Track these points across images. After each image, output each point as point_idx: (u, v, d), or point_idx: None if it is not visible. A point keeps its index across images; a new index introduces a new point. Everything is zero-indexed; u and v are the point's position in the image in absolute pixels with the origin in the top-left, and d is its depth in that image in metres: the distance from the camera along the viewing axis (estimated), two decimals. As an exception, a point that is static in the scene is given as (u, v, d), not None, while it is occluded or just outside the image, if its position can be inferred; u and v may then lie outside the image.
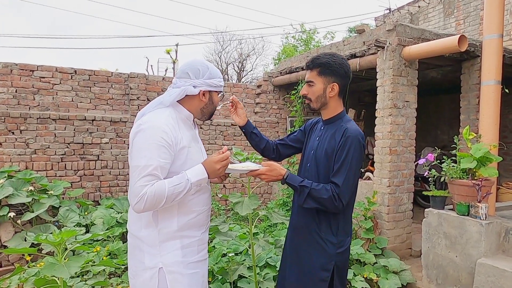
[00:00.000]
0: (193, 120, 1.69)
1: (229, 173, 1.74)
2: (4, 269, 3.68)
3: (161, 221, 1.52)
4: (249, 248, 2.61)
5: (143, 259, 1.53)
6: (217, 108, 1.74)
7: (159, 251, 1.51)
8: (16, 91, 4.74)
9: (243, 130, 1.95)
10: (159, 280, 1.50)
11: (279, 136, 6.46)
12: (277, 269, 2.93)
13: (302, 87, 1.76)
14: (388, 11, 9.14)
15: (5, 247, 3.77)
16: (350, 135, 1.60)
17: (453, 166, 3.04)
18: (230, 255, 2.86)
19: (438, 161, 3.14)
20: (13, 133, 4.61)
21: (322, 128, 1.78)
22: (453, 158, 3.10)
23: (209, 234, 2.23)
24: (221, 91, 1.69)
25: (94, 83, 5.17)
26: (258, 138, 1.93)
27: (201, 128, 5.79)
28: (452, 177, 3.00)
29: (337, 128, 1.67)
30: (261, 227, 4.55)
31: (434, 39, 3.94)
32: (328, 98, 1.69)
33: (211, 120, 5.86)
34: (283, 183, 1.66)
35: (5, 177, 4.26)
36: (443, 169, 3.09)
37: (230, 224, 3.07)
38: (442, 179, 3.13)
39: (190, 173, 1.47)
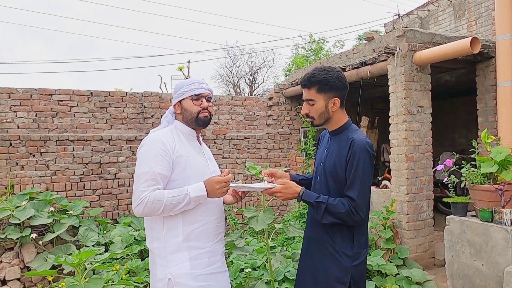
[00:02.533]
0: (197, 136, 1.77)
1: (245, 193, 1.76)
2: (27, 290, 3.74)
3: (167, 232, 1.59)
4: (267, 262, 2.59)
5: (156, 270, 1.61)
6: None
7: (168, 262, 1.57)
8: (36, 115, 4.91)
9: None
10: None
11: (292, 147, 6.44)
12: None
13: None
14: (397, 16, 9.09)
15: (28, 268, 3.84)
16: (357, 146, 1.59)
17: (473, 171, 2.95)
18: (247, 270, 2.83)
19: (457, 166, 3.05)
20: (33, 155, 4.75)
21: (329, 139, 1.78)
22: (473, 162, 3.01)
23: (226, 249, 2.22)
24: (195, 95, 1.68)
25: (109, 104, 5.31)
26: (307, 181, 1.93)
27: (214, 142, 5.83)
28: (472, 183, 2.91)
29: (343, 139, 1.67)
30: (279, 240, 4.50)
31: (445, 43, 3.89)
32: (331, 112, 1.68)
33: (224, 135, 5.91)
34: (299, 200, 1.66)
35: (27, 199, 4.38)
36: (462, 174, 3.00)
37: (246, 238, 3.06)
38: (462, 185, 3.04)
39: (190, 188, 1.55)
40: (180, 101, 1.71)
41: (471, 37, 3.41)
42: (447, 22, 7.43)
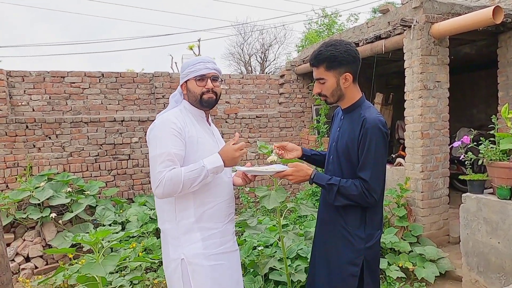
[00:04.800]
0: (206, 116, 1.75)
1: (255, 175, 1.75)
2: (50, 266, 3.91)
3: (179, 213, 1.59)
4: (279, 240, 2.61)
5: (168, 251, 1.63)
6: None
7: (180, 242, 1.59)
8: (49, 98, 4.97)
9: (304, 159, 1.91)
10: (182, 271, 1.57)
11: (305, 125, 6.37)
12: (308, 260, 2.91)
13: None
14: (414, -14, 8.66)
15: (49, 246, 4.00)
16: (369, 125, 1.51)
17: (491, 147, 2.85)
18: (260, 248, 2.87)
19: (475, 143, 2.96)
20: (49, 138, 4.85)
21: (342, 117, 1.71)
22: (492, 139, 2.91)
23: (239, 228, 2.23)
24: (199, 75, 1.64)
25: (121, 85, 5.32)
26: (320, 157, 1.89)
27: (225, 122, 5.82)
28: (491, 159, 2.81)
29: (355, 117, 1.59)
30: (291, 218, 4.53)
31: (465, 13, 3.69)
32: (344, 89, 1.60)
33: (235, 114, 5.87)
34: (311, 183, 1.63)
35: (45, 180, 4.51)
36: (480, 151, 2.91)
37: (259, 216, 3.08)
38: (480, 162, 2.95)
39: (206, 161, 1.53)
40: (185, 82, 1.68)
41: (493, 6, 3.22)
42: (467, -9, 7.04)
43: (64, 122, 4.90)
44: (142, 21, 39.25)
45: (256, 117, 6.04)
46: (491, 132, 2.91)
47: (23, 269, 3.79)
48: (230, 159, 1.55)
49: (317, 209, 2.29)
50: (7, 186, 4.58)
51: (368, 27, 4.87)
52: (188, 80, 1.67)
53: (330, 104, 1.68)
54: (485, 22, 3.31)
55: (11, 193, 4.21)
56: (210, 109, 1.74)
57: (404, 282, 3.16)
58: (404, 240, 3.63)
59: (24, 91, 4.87)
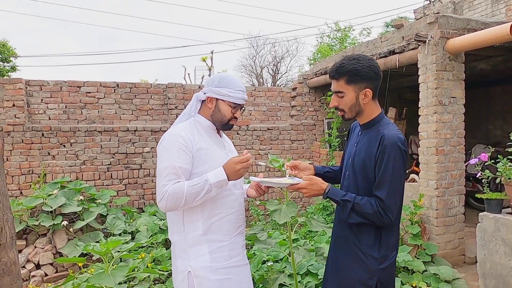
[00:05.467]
0: (217, 129, 1.74)
1: (269, 187, 1.73)
2: (59, 274, 3.93)
3: (187, 225, 1.59)
4: (289, 255, 2.56)
5: (176, 262, 1.63)
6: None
7: (188, 255, 1.58)
8: (65, 107, 5.08)
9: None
10: (188, 284, 1.56)
11: (316, 138, 6.34)
12: (319, 277, 2.85)
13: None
14: (428, 2, 8.67)
15: (60, 253, 4.02)
16: (388, 143, 1.46)
17: (510, 166, 2.78)
18: (269, 264, 2.82)
19: (492, 160, 2.88)
20: (64, 146, 4.93)
21: (359, 133, 1.67)
22: (510, 157, 2.84)
23: (248, 241, 2.19)
24: (234, 103, 1.66)
25: (135, 95, 5.41)
26: (333, 173, 1.85)
27: (237, 133, 5.83)
28: (509, 178, 2.74)
29: (374, 134, 1.55)
30: (302, 232, 4.46)
31: (481, 29, 3.66)
32: (363, 105, 1.56)
33: (247, 126, 5.89)
34: (325, 198, 1.58)
35: (58, 187, 4.57)
36: (498, 169, 2.83)
37: (269, 230, 3.04)
38: (497, 180, 2.87)
39: (209, 175, 1.53)
40: (217, 99, 1.66)
41: (510, 23, 3.18)
42: (483, 7, 7.00)
43: (79, 130, 4.99)
44: (157, 33, 40.15)
45: (268, 129, 6.04)
46: (509, 149, 2.84)
47: (33, 276, 3.82)
48: (233, 172, 1.54)
49: (328, 225, 2.25)
50: (21, 192, 4.66)
51: (381, 42, 4.86)
52: (222, 100, 1.65)
53: (347, 119, 1.62)
54: (502, 38, 3.27)
55: (24, 200, 4.27)
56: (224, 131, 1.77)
57: (417, 303, 3.06)
58: (418, 259, 3.53)
59: (42, 99, 4.98)
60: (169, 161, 1.53)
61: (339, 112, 1.62)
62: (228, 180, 1.55)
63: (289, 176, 1.76)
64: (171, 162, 1.52)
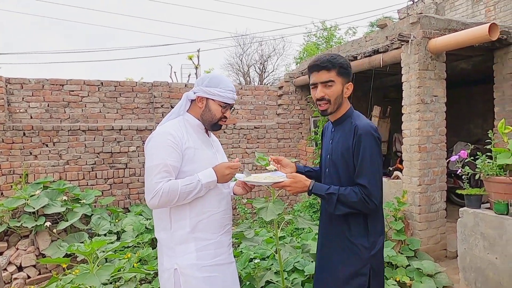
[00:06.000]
0: (205, 128, 1.76)
1: (254, 185, 1.76)
2: (43, 276, 3.85)
3: (174, 223, 1.60)
4: (276, 253, 2.58)
5: (163, 260, 1.64)
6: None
7: (174, 252, 1.59)
8: (48, 105, 4.97)
9: None
10: (175, 281, 1.57)
11: (303, 136, 6.39)
12: (305, 274, 2.88)
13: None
14: (411, 2, 8.83)
15: (43, 255, 3.94)
16: (362, 132, 1.56)
17: (488, 162, 2.87)
18: (256, 261, 2.84)
19: (472, 157, 2.97)
20: (46, 145, 4.83)
21: (332, 130, 1.75)
22: (488, 153, 2.93)
23: (235, 239, 2.19)
24: (224, 103, 1.68)
25: (120, 94, 5.33)
26: (314, 173, 1.90)
27: (224, 132, 5.82)
28: (488, 174, 2.83)
29: (347, 127, 1.64)
30: (288, 230, 4.50)
31: (462, 29, 3.76)
32: (344, 98, 1.66)
33: (233, 125, 5.89)
34: (309, 194, 1.63)
35: (41, 188, 4.47)
36: (477, 166, 2.92)
37: (256, 228, 3.07)
38: (477, 176, 2.96)
39: (201, 175, 1.57)
40: (207, 98, 1.68)
41: (489, 23, 3.28)
42: (463, 8, 7.18)
43: (62, 130, 4.89)
44: (142, 31, 39.64)
45: (254, 127, 6.05)
46: (488, 147, 2.93)
47: (15, 278, 3.73)
48: (222, 176, 1.60)
49: (314, 222, 2.27)
50: (2, 193, 4.54)
51: (366, 41, 4.93)
52: (213, 99, 1.67)
53: (329, 113, 1.67)
54: (481, 38, 3.37)
55: (5, 201, 4.16)
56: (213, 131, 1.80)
57: (401, 297, 3.13)
58: (402, 254, 3.60)
59: (23, 98, 4.86)
60: (160, 159, 1.53)
61: (322, 105, 1.64)
62: (217, 182, 1.60)
63: (273, 170, 1.79)
64: (162, 160, 1.53)
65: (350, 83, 1.66)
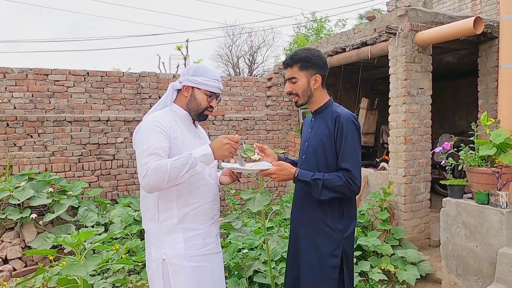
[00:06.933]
0: (193, 120, 1.76)
1: (241, 173, 1.76)
2: (29, 268, 3.81)
3: (162, 214, 1.60)
4: (264, 243, 2.62)
5: (150, 250, 1.63)
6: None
7: (162, 243, 1.59)
8: (32, 96, 4.86)
9: None
10: (163, 271, 1.58)
11: (292, 128, 6.42)
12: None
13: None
14: (400, -5, 8.85)
15: (29, 247, 3.90)
16: (344, 120, 1.64)
17: (471, 153, 2.94)
18: (244, 251, 2.88)
19: (456, 148, 3.04)
20: (31, 136, 4.74)
21: (312, 120, 1.82)
22: (471, 145, 3.01)
23: (224, 230, 2.20)
24: (210, 92, 1.68)
25: (106, 84, 5.25)
26: (295, 164, 1.90)
27: (213, 123, 5.80)
28: (470, 165, 2.90)
29: (328, 115, 1.71)
30: (276, 220, 4.55)
31: (448, 22, 3.81)
32: (313, 90, 1.73)
33: (222, 116, 5.87)
34: (295, 181, 1.68)
35: (26, 179, 4.39)
36: (460, 157, 2.99)
37: (244, 219, 3.09)
38: (460, 167, 3.04)
39: (193, 150, 1.53)
40: (192, 87, 1.68)
41: (474, 17, 3.33)
42: (450, 1, 7.25)
43: (47, 120, 4.80)
44: (130, 20, 38.82)
45: (243, 119, 6.05)
46: (471, 138, 3.00)
47: (0, 271, 3.68)
48: (219, 147, 1.53)
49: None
50: (-15, 185, 4.45)
51: (354, 33, 4.95)
52: (198, 88, 1.67)
53: (300, 105, 1.77)
54: (466, 32, 3.42)
55: (-11, 193, 4.08)
56: (200, 121, 1.79)
57: (386, 285, 3.22)
58: (387, 243, 3.69)
59: (6, 88, 4.74)
60: (149, 143, 1.52)
61: (293, 98, 1.77)
62: (214, 155, 1.53)
63: (257, 160, 1.80)
64: (152, 144, 1.51)
65: (318, 75, 1.70)
